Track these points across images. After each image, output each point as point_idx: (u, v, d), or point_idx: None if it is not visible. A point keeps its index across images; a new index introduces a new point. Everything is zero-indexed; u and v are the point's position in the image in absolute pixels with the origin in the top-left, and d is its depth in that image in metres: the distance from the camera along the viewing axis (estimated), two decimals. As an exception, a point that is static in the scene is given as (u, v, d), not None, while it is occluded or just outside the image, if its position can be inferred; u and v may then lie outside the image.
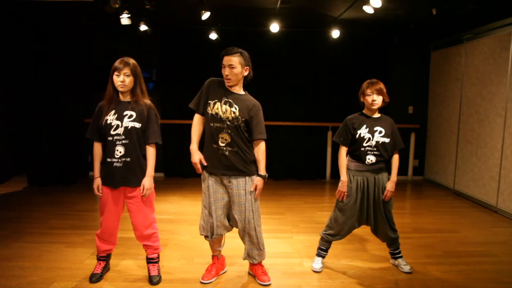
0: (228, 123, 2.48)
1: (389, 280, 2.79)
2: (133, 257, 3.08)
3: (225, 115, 2.48)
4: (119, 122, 2.48)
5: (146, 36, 5.34)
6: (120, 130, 2.48)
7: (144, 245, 2.72)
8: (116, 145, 2.49)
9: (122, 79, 2.45)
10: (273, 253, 3.24)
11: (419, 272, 2.92)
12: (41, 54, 5.31)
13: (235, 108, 2.48)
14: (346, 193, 2.79)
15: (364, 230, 3.78)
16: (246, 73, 2.53)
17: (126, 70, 2.45)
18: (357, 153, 2.77)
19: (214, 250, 2.75)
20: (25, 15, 5.05)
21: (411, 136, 6.28)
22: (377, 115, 2.82)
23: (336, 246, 3.32)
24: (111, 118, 2.49)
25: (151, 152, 2.58)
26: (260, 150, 2.58)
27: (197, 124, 2.61)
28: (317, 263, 2.94)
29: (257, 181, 2.57)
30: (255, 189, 2.57)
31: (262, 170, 2.59)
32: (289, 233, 3.75)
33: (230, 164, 2.51)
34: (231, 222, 2.68)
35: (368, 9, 4.15)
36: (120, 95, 2.54)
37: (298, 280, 2.77)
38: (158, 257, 2.76)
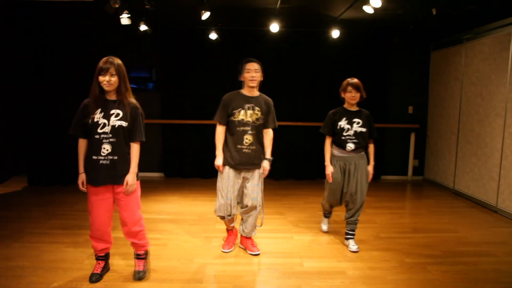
0: (253, 124, 3.01)
1: (389, 280, 2.79)
2: (133, 257, 3.07)
3: (251, 118, 3.01)
4: (105, 121, 2.52)
5: (146, 36, 5.34)
6: (107, 129, 2.52)
7: (131, 243, 2.75)
8: (102, 143, 2.52)
9: (108, 79, 2.49)
10: (273, 253, 3.24)
11: (419, 272, 2.92)
12: (41, 54, 5.31)
13: (258, 110, 3.04)
14: (331, 176, 3.29)
15: (364, 230, 3.78)
16: (262, 79, 3.10)
17: (112, 70, 2.50)
18: (339, 142, 3.28)
19: (229, 226, 3.27)
20: (25, 15, 5.05)
21: (411, 136, 6.28)
22: (355, 108, 3.28)
23: (336, 246, 3.33)
24: (97, 116, 2.52)
25: (135, 150, 2.61)
26: (269, 137, 3.15)
27: (221, 133, 3.06)
28: (325, 223, 3.75)
29: (265, 163, 3.10)
30: (264, 171, 3.09)
31: (268, 154, 3.12)
32: (289, 233, 3.75)
33: (250, 160, 3.05)
34: (240, 203, 3.19)
35: (368, 9, 4.15)
36: (106, 94, 2.57)
37: (298, 280, 2.78)
38: (145, 254, 2.80)
